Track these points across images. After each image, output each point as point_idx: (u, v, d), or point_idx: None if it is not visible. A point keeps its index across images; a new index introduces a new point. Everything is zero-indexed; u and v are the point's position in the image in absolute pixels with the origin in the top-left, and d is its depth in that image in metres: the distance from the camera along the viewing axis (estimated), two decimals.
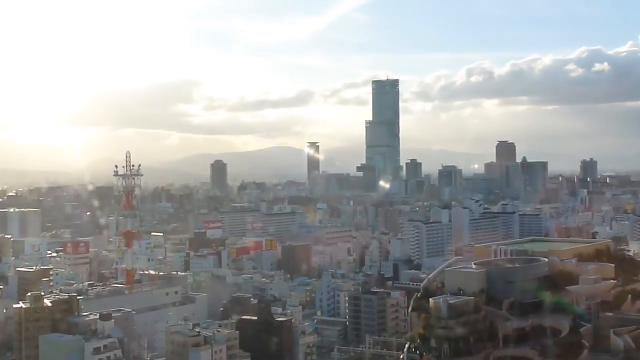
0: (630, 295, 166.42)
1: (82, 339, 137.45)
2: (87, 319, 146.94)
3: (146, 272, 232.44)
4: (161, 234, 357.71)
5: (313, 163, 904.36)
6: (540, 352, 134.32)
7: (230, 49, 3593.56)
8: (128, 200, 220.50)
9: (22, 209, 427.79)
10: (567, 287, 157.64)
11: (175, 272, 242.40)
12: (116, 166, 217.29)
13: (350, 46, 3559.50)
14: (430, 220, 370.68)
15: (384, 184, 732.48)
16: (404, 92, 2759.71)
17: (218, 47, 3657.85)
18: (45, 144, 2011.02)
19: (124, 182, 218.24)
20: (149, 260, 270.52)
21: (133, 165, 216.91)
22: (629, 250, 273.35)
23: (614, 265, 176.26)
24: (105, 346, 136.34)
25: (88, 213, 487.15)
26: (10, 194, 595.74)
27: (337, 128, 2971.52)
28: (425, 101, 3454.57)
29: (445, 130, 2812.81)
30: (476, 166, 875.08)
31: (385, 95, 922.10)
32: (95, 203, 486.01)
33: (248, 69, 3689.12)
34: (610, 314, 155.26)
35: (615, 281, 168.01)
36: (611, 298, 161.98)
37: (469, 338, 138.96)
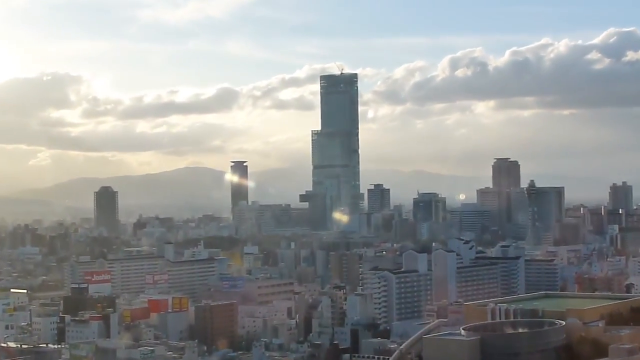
0: None
1: None
2: None
3: (3, 344, 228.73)
4: (25, 291, 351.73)
5: (239, 190, 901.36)
6: None
7: (121, 33, 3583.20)
8: None
9: None
10: None
11: (44, 345, 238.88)
12: None
13: (287, 27, 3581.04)
14: (402, 269, 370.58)
15: (339, 219, 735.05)
16: (365, 91, 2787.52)
17: (104, 30, 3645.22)
18: None
19: None
20: (7, 327, 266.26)
21: None
22: None
23: None
24: None
25: None
26: None
27: (272, 142, 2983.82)
28: (393, 104, 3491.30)
29: (423, 144, 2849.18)
30: (463, 197, 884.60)
31: (339, 95, 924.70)
32: None
33: (146, 60, 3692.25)
34: None
35: None
36: None
37: None
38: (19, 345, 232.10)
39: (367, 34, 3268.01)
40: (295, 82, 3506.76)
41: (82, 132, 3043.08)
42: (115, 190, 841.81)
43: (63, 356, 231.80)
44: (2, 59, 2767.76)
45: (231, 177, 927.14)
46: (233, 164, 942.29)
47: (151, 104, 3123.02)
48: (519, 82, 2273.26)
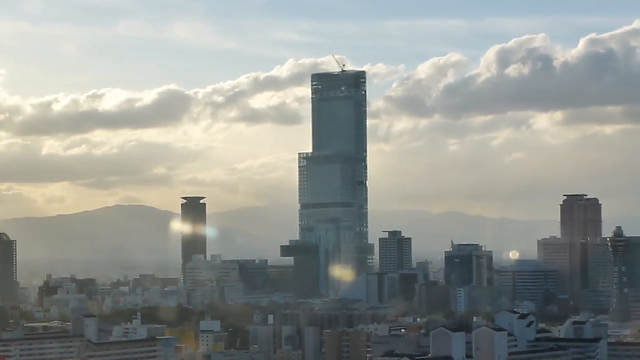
0: None
1: None
2: None
3: None
4: None
5: (192, 239, 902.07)
6: None
7: (18, 9, 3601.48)
8: None
9: None
10: None
11: None
12: None
13: (259, 4, 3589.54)
14: (430, 356, 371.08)
15: (338, 279, 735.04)
16: (375, 97, 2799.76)
17: None
18: None
19: None
20: None
21: None
22: None
23: None
24: None
25: None
26: None
27: (241, 170, 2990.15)
28: (416, 116, 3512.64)
29: (459, 174, 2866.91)
30: (515, 254, 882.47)
31: (339, 103, 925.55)
32: None
33: (56, 49, 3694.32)
34: None
35: None
36: None
37: None
38: None
39: (376, 14, 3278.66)
40: (273, 84, 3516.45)
41: None
42: (11, 239, 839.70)
43: None
44: None
45: (181, 221, 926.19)
46: (184, 201, 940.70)
47: (64, 114, 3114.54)
48: (599, 85, 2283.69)
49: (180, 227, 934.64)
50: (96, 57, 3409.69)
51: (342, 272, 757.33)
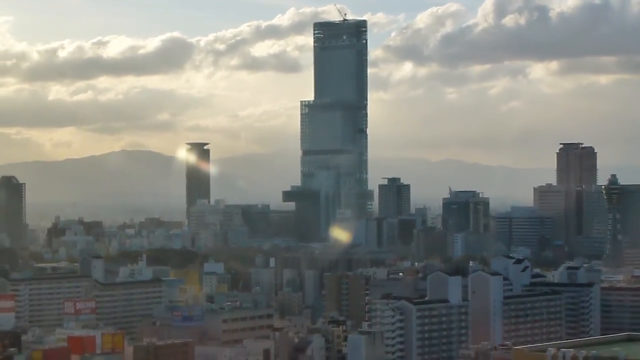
0: None
1: None
2: None
3: None
4: None
5: (197, 184, 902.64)
6: None
7: None
8: None
9: None
10: None
11: None
12: None
13: None
14: (427, 299, 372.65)
15: (339, 227, 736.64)
16: (374, 46, 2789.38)
17: None
18: None
19: None
20: None
21: None
22: None
23: None
24: None
25: None
26: None
27: (243, 117, 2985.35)
28: (415, 65, 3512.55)
29: (457, 123, 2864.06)
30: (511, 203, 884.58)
31: (341, 51, 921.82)
32: None
33: None
34: None
35: None
36: None
37: None
38: None
39: None
40: (275, 32, 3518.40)
41: None
42: (20, 182, 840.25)
43: None
44: None
45: (186, 165, 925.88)
46: (189, 146, 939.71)
47: (69, 60, 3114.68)
48: (594, 35, 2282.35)
49: (184, 172, 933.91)
50: (101, 4, 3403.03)
51: (342, 217, 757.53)
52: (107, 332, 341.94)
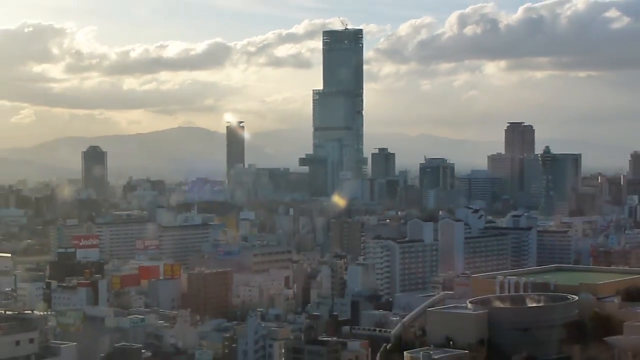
0: None
1: None
2: None
3: None
4: (9, 255, 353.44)
5: (234, 152, 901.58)
6: None
7: None
8: None
9: None
10: (605, 338, 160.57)
11: (30, 311, 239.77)
12: None
13: None
14: (407, 239, 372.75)
15: (341, 185, 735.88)
16: (368, 49, 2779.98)
17: None
18: None
19: None
20: None
21: None
22: None
23: None
24: None
25: None
26: None
27: (269, 102, 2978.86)
28: (397, 63, 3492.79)
29: (429, 107, 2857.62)
30: (472, 164, 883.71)
31: (343, 52, 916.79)
32: None
33: (133, 12, 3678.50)
34: None
35: None
36: None
37: None
38: (3, 311, 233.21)
39: None
40: (292, 38, 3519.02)
41: (67, 88, 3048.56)
42: (103, 150, 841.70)
43: (49, 323, 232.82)
44: None
45: (226, 138, 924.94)
46: (228, 124, 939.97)
47: (139, 59, 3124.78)
48: (532, 41, 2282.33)
49: (225, 143, 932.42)
50: (162, 17, 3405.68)
51: (344, 178, 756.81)
52: (167, 263, 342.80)
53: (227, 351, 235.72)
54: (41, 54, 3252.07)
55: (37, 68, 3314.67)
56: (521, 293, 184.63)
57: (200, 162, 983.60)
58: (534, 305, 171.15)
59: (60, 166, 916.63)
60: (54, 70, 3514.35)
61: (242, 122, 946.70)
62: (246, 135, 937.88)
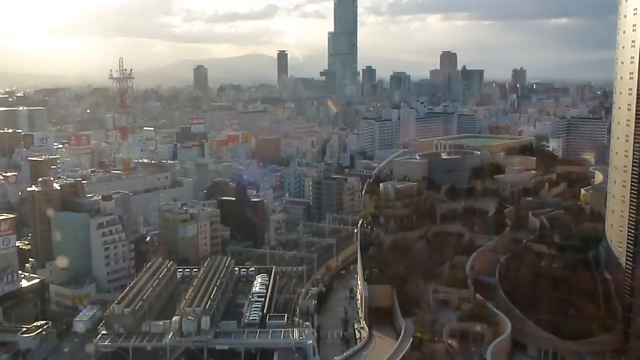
0: (547, 183, 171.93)
1: (88, 216, 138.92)
2: (91, 199, 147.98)
3: (140, 160, 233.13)
4: (152, 129, 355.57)
5: (282, 69, 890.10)
6: (470, 228, 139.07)
7: None
8: (122, 100, 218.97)
9: (30, 108, 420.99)
10: (495, 176, 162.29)
11: (165, 161, 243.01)
12: (111, 70, 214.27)
13: None
14: (382, 118, 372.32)
15: (344, 88, 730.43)
16: (360, 7, 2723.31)
17: None
18: (45, 50, 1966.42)
19: (118, 84, 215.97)
20: (142, 150, 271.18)
21: (125, 70, 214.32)
22: (548, 146, 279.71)
23: (535, 158, 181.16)
24: (107, 222, 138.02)
25: (88, 111, 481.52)
26: (19, 94, 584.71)
27: (302, 38, 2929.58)
28: (377, 15, 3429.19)
29: (396, 42, 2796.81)
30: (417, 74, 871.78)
31: (345, 9, 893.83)
32: (94, 102, 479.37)
33: None
34: (530, 198, 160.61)
35: (536, 172, 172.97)
36: (531, 185, 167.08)
37: (412, 216, 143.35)
38: (149, 161, 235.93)
39: None
40: (314, 0, 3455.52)
41: (182, 31, 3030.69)
42: (206, 68, 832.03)
43: (176, 168, 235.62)
44: None
45: (277, 60, 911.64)
46: (279, 52, 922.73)
47: (224, 14, 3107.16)
48: (456, 2, 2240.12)
49: (276, 63, 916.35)
50: None
51: (345, 83, 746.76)
52: (243, 133, 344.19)
53: (278, 183, 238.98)
54: (166, 11, 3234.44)
55: (165, 19, 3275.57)
56: (447, 150, 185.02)
57: (262, 74, 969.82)
58: (454, 157, 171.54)
59: (181, 77, 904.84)
60: (174, 20, 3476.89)
61: (286, 50, 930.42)
62: (289, 58, 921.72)
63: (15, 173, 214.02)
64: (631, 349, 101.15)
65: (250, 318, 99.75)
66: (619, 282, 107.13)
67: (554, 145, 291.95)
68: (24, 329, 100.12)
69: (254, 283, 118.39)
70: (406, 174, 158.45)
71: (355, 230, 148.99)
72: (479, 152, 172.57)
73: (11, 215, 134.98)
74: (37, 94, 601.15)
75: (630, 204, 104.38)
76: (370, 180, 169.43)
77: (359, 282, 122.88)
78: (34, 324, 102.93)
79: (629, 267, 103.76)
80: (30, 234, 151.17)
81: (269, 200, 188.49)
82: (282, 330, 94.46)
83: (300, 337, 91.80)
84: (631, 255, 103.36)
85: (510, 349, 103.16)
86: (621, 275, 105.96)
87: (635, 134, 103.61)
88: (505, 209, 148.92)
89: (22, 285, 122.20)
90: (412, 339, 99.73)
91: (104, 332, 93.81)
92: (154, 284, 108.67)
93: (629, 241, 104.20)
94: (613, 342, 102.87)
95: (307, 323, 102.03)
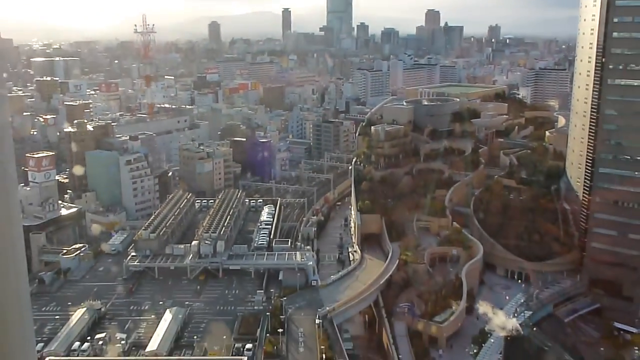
0: (517, 127, 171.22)
1: (117, 154, 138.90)
2: (120, 139, 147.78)
3: (162, 105, 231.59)
4: (172, 78, 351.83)
5: (286, 25, 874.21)
6: (449, 166, 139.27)
7: None
8: (146, 52, 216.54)
9: (65, 58, 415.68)
10: (472, 120, 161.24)
11: (184, 106, 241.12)
12: (135, 25, 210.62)
13: None
14: (374, 69, 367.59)
15: (340, 41, 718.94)
16: None
17: None
18: (78, 5, 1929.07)
19: (142, 38, 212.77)
20: (163, 97, 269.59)
21: (148, 25, 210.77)
22: (518, 94, 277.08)
23: (507, 104, 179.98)
24: (134, 159, 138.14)
25: (116, 61, 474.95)
26: (55, 46, 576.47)
27: (313, 5, 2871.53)
28: None
29: (387, 0, 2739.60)
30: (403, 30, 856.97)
31: None
32: (121, 54, 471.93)
33: None
34: (502, 139, 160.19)
35: (507, 116, 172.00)
36: (503, 128, 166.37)
37: (399, 155, 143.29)
38: (170, 106, 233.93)
39: None
40: None
41: None
42: (219, 23, 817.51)
43: (194, 112, 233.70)
44: None
45: (282, 17, 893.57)
46: (283, 9, 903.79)
47: None
48: None
49: (281, 20, 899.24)
50: None
51: (342, 38, 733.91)
52: (252, 81, 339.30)
53: (283, 126, 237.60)
54: None
55: None
56: (430, 97, 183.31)
57: (269, 29, 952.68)
58: (436, 103, 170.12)
59: (197, 32, 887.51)
60: None
61: (289, 8, 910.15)
62: (292, 15, 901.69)
63: (54, 116, 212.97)
64: (585, 268, 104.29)
65: (259, 242, 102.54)
66: (576, 212, 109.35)
67: (523, 93, 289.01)
68: (65, 251, 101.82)
69: (262, 212, 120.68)
70: (394, 118, 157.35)
71: (350, 167, 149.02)
72: (458, 99, 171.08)
73: (51, 153, 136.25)
74: (71, 47, 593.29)
75: (587, 145, 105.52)
76: (363, 124, 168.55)
77: (352, 212, 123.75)
78: (73, 246, 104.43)
79: (585, 199, 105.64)
80: (67, 169, 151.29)
81: (274, 141, 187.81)
82: (287, 253, 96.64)
83: (302, 259, 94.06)
84: (587, 188, 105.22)
85: (482, 270, 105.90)
86: (578, 206, 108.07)
87: (594, 83, 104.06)
88: (480, 149, 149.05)
89: (62, 214, 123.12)
90: (398, 260, 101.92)
91: (133, 253, 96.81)
92: (175, 213, 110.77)
93: (585, 176, 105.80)
94: (570, 263, 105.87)
95: (308, 247, 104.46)
